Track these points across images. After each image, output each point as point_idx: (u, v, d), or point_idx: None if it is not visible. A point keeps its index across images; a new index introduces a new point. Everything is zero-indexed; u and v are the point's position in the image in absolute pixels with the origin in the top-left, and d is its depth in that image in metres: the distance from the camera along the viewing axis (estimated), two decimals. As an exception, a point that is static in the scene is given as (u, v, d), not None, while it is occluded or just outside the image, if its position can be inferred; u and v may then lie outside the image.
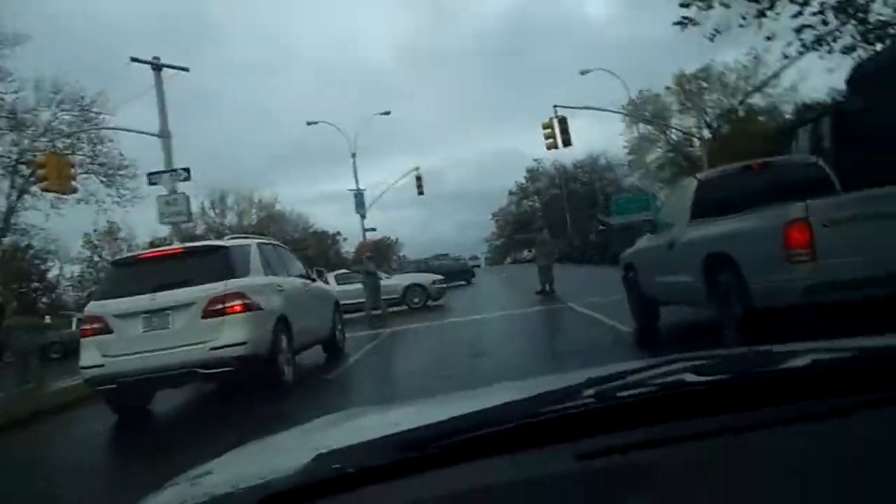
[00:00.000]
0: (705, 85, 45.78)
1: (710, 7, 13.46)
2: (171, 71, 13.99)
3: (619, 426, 0.84)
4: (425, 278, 19.68)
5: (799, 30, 12.63)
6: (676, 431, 0.81)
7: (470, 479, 0.77)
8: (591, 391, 0.89)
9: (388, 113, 37.21)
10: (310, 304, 8.39)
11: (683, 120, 45.15)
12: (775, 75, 24.97)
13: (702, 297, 5.77)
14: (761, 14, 12.80)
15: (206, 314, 6.24)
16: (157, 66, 13.51)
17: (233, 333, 6.24)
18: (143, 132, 14.47)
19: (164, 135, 13.67)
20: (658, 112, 44.93)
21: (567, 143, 22.53)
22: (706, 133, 43.84)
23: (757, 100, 43.53)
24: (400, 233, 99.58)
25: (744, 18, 13.36)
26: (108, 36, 60.12)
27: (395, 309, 17.47)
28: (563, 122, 22.41)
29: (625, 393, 0.89)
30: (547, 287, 15.92)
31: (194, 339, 6.18)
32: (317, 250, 57.35)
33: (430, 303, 18.26)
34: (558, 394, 0.92)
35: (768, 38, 12.91)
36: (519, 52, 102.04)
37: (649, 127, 45.19)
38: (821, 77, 45.37)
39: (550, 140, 22.46)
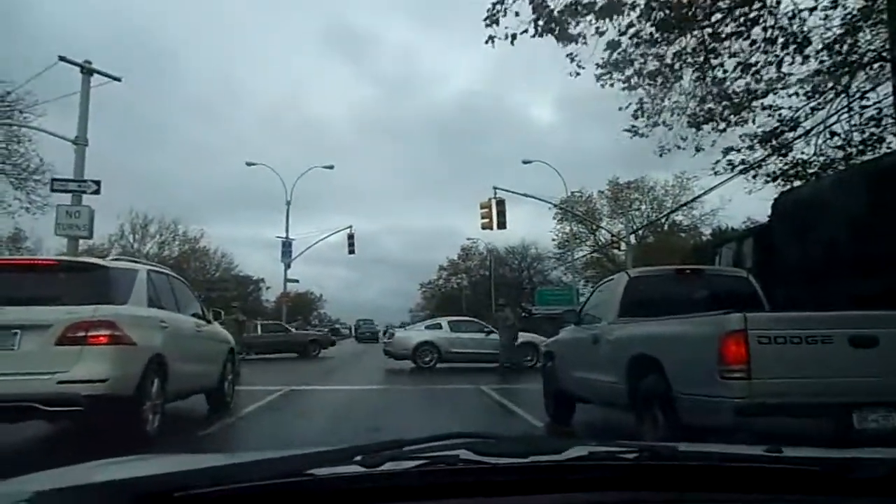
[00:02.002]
0: (636, 195, 48.19)
1: (655, 125, 14.10)
2: (112, 87, 13.16)
3: (380, 497, 0.83)
4: (537, 339, 18.86)
5: (727, 151, 13.27)
6: None
7: None
8: (359, 458, 0.86)
9: (331, 167, 37.08)
10: (197, 348, 7.46)
11: (612, 224, 46.95)
12: (701, 196, 26.31)
13: (623, 400, 5.37)
14: (696, 127, 13.39)
15: (63, 340, 5.27)
16: (86, 70, 12.61)
17: (90, 367, 5.29)
18: (56, 135, 13.34)
19: (80, 142, 12.62)
20: (589, 213, 46.58)
21: (502, 225, 22.64)
22: (632, 239, 45.71)
23: (681, 217, 46.19)
24: (325, 289, 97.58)
25: (683, 139, 14.04)
26: (58, 43, 58.04)
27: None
28: (500, 204, 22.60)
29: (391, 465, 0.85)
30: (507, 364, 15.38)
31: (41, 367, 5.18)
32: (237, 293, 55.09)
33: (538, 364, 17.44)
34: (325, 456, 0.90)
35: (697, 150, 13.42)
36: (467, 137, 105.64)
37: (580, 226, 46.78)
38: (739, 205, 48.69)
39: (486, 220, 22.53)
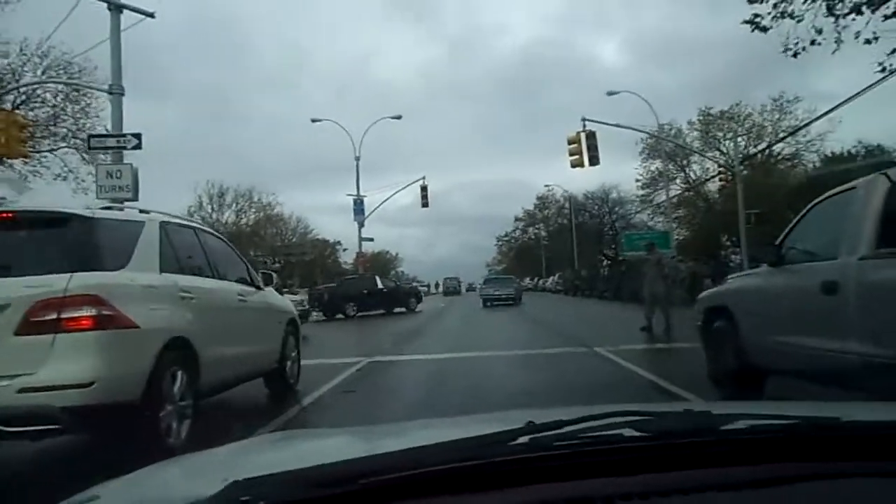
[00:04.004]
0: (731, 125, 43.48)
1: (783, 15, 11.25)
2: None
3: (551, 478, 0.85)
4: None
5: None
6: (608, 488, 0.82)
7: None
8: (526, 439, 0.88)
9: (399, 117, 35.42)
10: (242, 323, 5.71)
11: (702, 161, 42.69)
12: (831, 111, 22.21)
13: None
14: (855, 10, 10.49)
15: (25, 328, 3.56)
16: (114, 6, 10.99)
17: (66, 366, 3.56)
18: (93, 87, 11.91)
19: (116, 90, 11.12)
20: (680, 148, 42.44)
21: (594, 160, 19.99)
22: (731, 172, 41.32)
23: (781, 146, 41.27)
24: (401, 249, 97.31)
25: (818, 33, 11.14)
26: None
27: None
28: (591, 136, 19.93)
29: (561, 443, 0.88)
30: (653, 323, 11.83)
31: (-4, 369, 3.52)
32: (315, 257, 55.36)
33: None
34: (492, 438, 0.92)
35: (868, 41, 10.51)
36: (536, 87, 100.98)
37: (668, 162, 42.74)
38: (849, 130, 43.15)
39: (576, 157, 19.95)
